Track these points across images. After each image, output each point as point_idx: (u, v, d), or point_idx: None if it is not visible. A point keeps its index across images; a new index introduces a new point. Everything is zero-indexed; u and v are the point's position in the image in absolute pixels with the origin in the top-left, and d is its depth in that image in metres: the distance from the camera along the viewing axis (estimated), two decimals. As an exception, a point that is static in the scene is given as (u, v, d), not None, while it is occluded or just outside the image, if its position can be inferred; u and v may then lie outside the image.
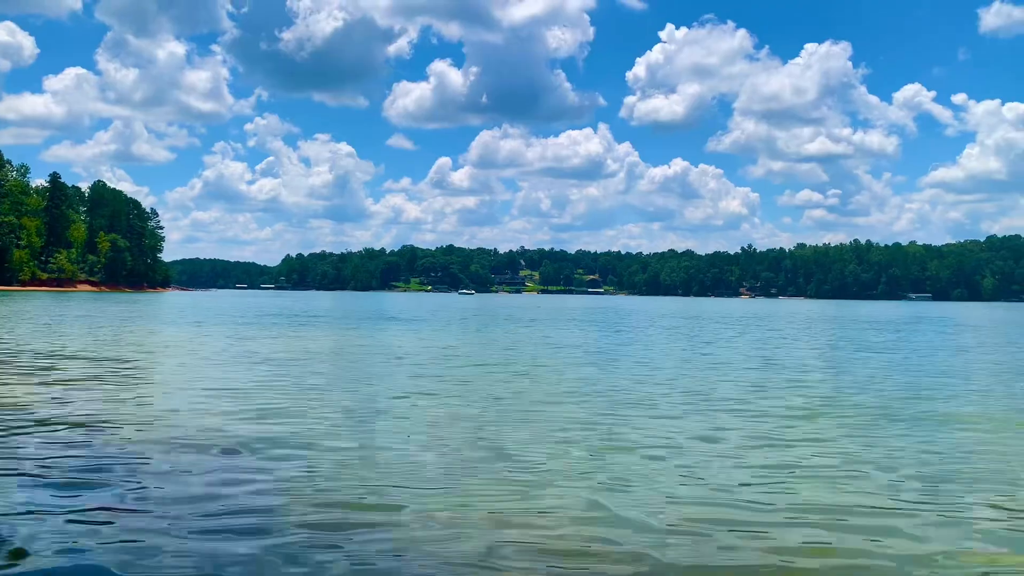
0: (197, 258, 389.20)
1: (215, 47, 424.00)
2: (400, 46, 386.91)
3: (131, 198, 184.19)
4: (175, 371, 20.59)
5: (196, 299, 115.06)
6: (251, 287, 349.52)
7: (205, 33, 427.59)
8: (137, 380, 18.05)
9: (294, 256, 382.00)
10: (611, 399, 15.67)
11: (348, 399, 15.36)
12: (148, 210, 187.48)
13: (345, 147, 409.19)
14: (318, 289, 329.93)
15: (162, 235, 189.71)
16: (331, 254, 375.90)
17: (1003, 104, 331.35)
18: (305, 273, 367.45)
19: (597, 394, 16.49)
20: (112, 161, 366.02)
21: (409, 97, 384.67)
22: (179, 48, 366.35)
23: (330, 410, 13.96)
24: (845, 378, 20.51)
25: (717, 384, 18.58)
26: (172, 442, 11.07)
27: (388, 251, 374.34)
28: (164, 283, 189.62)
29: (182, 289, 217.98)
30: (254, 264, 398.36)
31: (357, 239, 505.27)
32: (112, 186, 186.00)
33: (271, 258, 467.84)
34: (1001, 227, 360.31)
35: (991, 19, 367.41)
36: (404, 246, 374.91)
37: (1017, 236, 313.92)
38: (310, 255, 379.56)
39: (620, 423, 12.95)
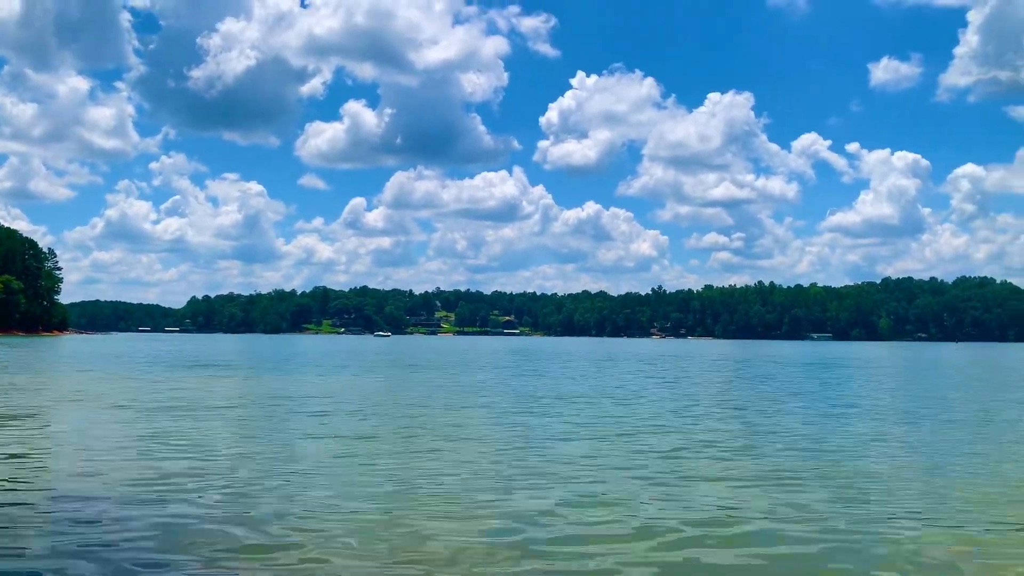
0: (97, 300, 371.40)
1: (120, 84, 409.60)
2: (313, 86, 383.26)
3: (27, 237, 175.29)
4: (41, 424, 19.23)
5: (92, 344, 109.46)
6: (155, 330, 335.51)
7: (110, 69, 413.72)
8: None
9: (200, 298, 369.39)
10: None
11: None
12: (45, 250, 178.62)
13: (255, 186, 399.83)
14: (226, 332, 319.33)
15: (60, 276, 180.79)
16: (239, 296, 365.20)
17: (892, 153, 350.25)
18: (212, 315, 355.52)
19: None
20: (6, 199, 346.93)
21: (322, 137, 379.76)
22: (82, 83, 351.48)
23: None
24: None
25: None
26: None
27: (299, 292, 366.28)
28: (61, 326, 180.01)
29: (81, 332, 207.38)
30: (158, 306, 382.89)
31: (267, 280, 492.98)
32: (6, 225, 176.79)
33: (176, 300, 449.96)
34: (895, 270, 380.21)
35: (880, 73, 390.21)
36: (316, 287, 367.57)
37: (909, 278, 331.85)
38: (217, 297, 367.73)
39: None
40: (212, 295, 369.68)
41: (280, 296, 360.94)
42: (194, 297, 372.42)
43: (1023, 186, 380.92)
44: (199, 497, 11.27)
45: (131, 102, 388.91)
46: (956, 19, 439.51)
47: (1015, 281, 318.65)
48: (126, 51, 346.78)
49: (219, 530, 9.58)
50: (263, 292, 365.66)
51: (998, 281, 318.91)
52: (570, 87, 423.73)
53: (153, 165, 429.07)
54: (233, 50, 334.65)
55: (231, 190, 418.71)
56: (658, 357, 76.42)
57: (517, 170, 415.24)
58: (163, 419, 20.38)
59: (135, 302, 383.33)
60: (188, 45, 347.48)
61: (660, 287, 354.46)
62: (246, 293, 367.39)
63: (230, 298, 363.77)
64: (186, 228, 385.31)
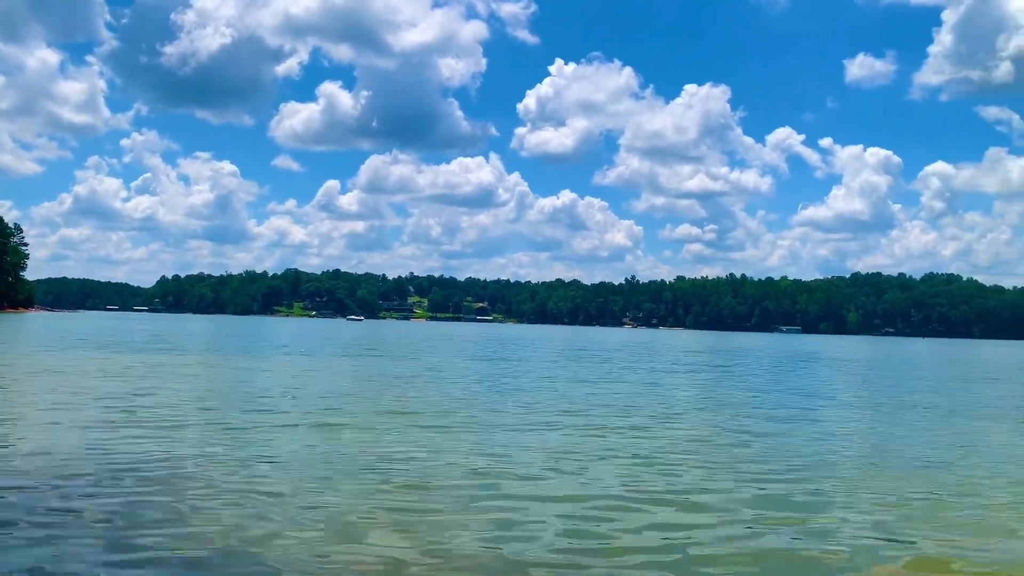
0: (65, 277, 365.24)
1: (91, 58, 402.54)
2: (289, 66, 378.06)
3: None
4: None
5: (57, 322, 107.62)
6: (123, 309, 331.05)
7: (81, 42, 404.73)
8: None
9: (170, 278, 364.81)
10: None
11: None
12: (11, 225, 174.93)
13: (228, 166, 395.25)
14: (195, 312, 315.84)
15: (26, 252, 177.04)
16: (210, 276, 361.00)
17: (865, 149, 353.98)
18: (182, 296, 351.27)
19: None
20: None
21: (297, 118, 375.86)
22: (52, 56, 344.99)
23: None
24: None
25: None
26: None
27: (271, 274, 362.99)
28: (27, 303, 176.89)
29: (47, 310, 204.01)
30: (127, 285, 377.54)
31: (238, 261, 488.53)
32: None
33: (146, 279, 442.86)
34: (864, 264, 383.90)
35: (855, 70, 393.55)
36: (288, 270, 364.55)
37: (878, 273, 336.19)
38: (187, 277, 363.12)
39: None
40: (182, 275, 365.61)
41: (251, 277, 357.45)
42: (164, 276, 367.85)
43: (991, 185, 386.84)
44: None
45: (102, 77, 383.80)
46: (931, 18, 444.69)
47: (981, 279, 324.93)
48: (98, 25, 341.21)
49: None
50: (234, 273, 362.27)
51: (964, 278, 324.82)
52: (548, 74, 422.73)
53: (124, 142, 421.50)
54: (208, 27, 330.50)
55: (203, 169, 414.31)
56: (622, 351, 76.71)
57: (494, 156, 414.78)
58: (106, 405, 20.01)
59: (103, 280, 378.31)
60: (162, 20, 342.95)
61: (633, 277, 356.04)
62: (217, 274, 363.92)
63: (200, 278, 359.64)
64: (157, 206, 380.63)
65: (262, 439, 14.60)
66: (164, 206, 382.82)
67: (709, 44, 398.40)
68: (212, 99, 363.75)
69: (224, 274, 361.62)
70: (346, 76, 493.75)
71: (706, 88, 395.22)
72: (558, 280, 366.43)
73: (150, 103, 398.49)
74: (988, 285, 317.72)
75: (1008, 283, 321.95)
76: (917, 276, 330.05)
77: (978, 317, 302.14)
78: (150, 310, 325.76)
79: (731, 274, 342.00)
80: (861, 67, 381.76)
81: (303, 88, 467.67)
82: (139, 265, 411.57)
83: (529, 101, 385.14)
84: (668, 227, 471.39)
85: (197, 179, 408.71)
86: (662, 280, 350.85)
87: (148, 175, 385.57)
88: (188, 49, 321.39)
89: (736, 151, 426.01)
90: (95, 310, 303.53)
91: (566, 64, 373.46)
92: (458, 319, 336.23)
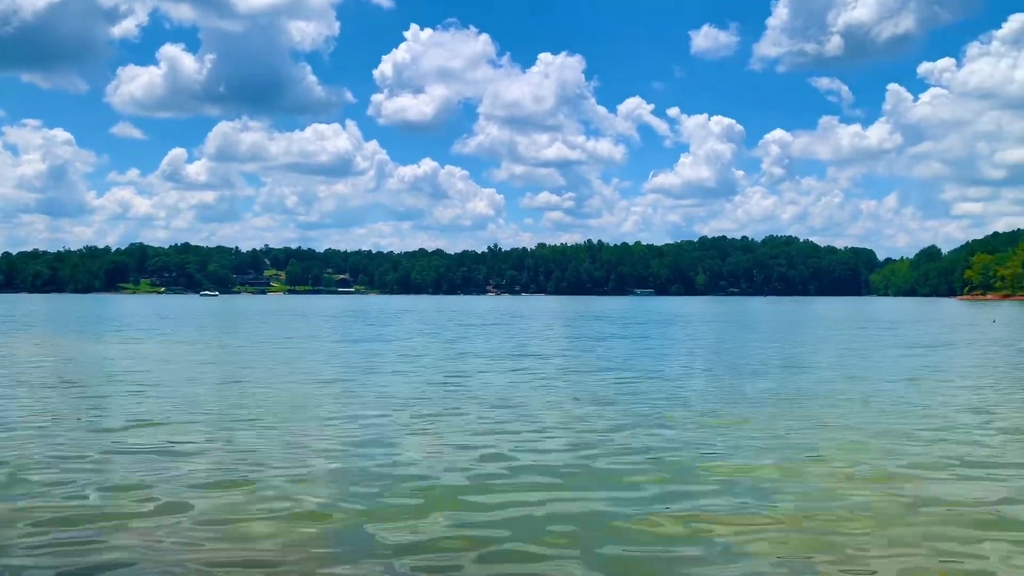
0: None
1: None
2: (126, 27, 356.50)
3: None
4: None
5: None
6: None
7: None
8: None
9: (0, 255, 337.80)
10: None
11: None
12: None
13: (61, 134, 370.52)
14: (30, 292, 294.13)
15: None
16: (46, 253, 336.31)
17: (710, 118, 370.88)
18: (14, 274, 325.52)
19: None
20: None
21: (136, 82, 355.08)
22: None
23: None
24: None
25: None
26: None
27: (114, 249, 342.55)
28: None
29: None
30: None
31: (77, 236, 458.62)
32: None
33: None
34: (711, 229, 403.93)
35: (700, 41, 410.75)
36: (133, 244, 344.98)
37: (723, 237, 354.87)
38: (19, 254, 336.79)
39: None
40: (13, 252, 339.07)
41: (92, 253, 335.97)
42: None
43: (825, 152, 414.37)
44: None
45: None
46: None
47: (816, 239, 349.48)
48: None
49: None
50: (73, 249, 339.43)
51: (801, 240, 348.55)
52: (404, 40, 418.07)
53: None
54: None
55: (33, 137, 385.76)
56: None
57: (350, 123, 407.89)
58: None
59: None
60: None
61: (496, 245, 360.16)
62: (53, 250, 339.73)
63: (34, 255, 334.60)
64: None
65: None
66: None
67: (562, 13, 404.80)
68: (40, 61, 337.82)
69: (62, 250, 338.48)
70: (189, 39, 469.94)
71: (561, 57, 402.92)
72: (421, 250, 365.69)
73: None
74: (823, 246, 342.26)
75: (840, 243, 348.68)
76: (758, 239, 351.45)
77: (813, 276, 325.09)
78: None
79: (589, 240, 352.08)
80: (706, 38, 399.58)
81: (142, 51, 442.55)
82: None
83: (385, 67, 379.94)
84: (528, 195, 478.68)
85: (27, 148, 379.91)
86: (524, 248, 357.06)
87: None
88: (9, 6, 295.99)
89: (591, 120, 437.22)
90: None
91: (422, 30, 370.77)
92: (318, 292, 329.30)
